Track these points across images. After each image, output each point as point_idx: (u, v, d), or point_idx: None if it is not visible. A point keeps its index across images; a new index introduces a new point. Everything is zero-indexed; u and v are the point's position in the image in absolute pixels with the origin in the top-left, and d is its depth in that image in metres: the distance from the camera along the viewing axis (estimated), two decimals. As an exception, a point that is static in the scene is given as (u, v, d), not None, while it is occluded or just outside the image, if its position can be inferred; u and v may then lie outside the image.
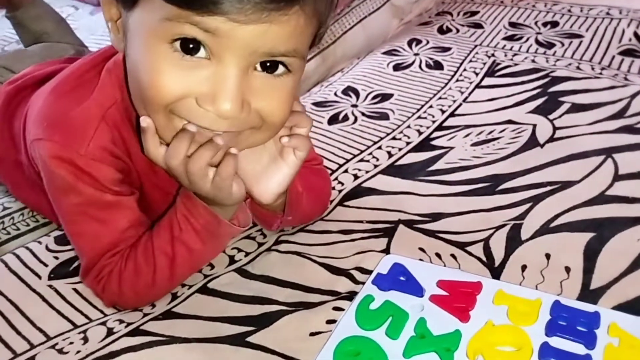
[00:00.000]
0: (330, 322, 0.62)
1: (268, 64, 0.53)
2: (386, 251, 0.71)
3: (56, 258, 0.72)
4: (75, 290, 0.68)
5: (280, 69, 0.54)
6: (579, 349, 0.55)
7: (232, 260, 0.71)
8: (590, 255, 0.69)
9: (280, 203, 0.67)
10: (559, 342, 0.56)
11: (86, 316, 0.65)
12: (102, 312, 0.65)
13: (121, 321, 0.64)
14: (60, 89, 0.64)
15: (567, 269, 0.67)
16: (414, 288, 0.64)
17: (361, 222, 0.77)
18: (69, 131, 0.60)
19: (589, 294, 0.63)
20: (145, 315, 0.64)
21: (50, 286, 0.68)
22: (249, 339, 0.61)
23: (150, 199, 0.67)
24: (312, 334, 0.60)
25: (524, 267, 0.68)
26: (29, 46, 1.06)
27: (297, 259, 0.71)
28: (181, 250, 0.62)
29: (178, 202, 0.63)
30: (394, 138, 0.95)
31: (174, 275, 0.64)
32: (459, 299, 0.62)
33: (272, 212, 0.69)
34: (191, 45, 0.51)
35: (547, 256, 0.69)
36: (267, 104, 0.54)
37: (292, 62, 0.54)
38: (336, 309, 0.63)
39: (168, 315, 0.64)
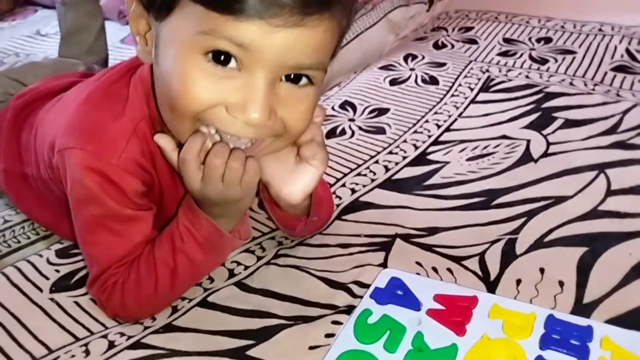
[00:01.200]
0: (329, 335, 0.62)
1: (292, 76, 0.56)
2: (384, 265, 0.72)
3: (57, 271, 0.73)
4: (77, 303, 0.68)
5: (304, 80, 0.57)
6: (573, 362, 0.56)
7: (231, 273, 0.72)
8: (584, 269, 0.70)
9: (305, 206, 0.70)
10: (553, 356, 0.57)
11: (88, 329, 0.66)
12: (103, 325, 0.66)
13: (122, 334, 0.64)
14: (91, 100, 0.65)
15: (561, 283, 0.68)
16: (411, 302, 0.65)
17: (359, 236, 0.78)
18: (102, 142, 0.61)
19: (582, 308, 0.64)
20: (146, 328, 0.65)
21: (51, 299, 0.69)
22: (249, 352, 0.61)
23: (168, 212, 0.68)
24: (311, 348, 0.61)
25: (518, 282, 0.69)
26: (66, 35, 1.11)
27: (296, 273, 0.72)
28: (183, 261, 0.63)
29: (180, 213, 0.63)
30: (390, 152, 0.96)
31: (175, 286, 0.65)
32: (455, 312, 0.63)
33: (296, 216, 0.71)
34: (223, 57, 0.54)
35: (542, 270, 0.70)
36: (290, 113, 0.57)
37: (315, 75, 0.57)
38: (335, 322, 0.64)
39: (168, 328, 0.65)
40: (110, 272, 0.63)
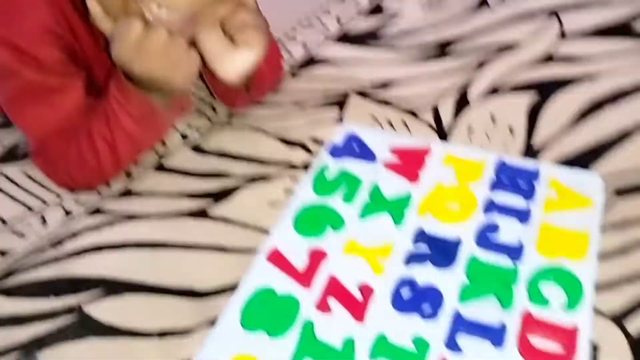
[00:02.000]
0: (288, 192, 0.64)
1: None
2: (339, 121, 0.72)
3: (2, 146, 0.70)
4: (27, 174, 0.67)
5: None
6: (520, 203, 0.60)
7: (184, 136, 0.71)
8: (533, 114, 0.72)
9: (247, 79, 0.65)
10: (502, 198, 0.60)
11: (42, 200, 0.64)
12: (57, 194, 0.65)
13: (78, 202, 0.64)
14: None
15: (511, 129, 0.70)
16: (367, 155, 0.66)
17: (313, 92, 0.76)
18: (9, 12, 0.57)
19: (531, 152, 0.67)
20: (101, 195, 0.65)
21: (-1, 172, 0.67)
22: (210, 212, 0.62)
23: (98, 80, 0.64)
24: (271, 204, 0.63)
25: (470, 129, 0.70)
26: None
27: (251, 132, 0.71)
28: (120, 136, 0.61)
29: (112, 87, 0.60)
30: (342, 1, 0.92)
31: (118, 160, 0.63)
32: (410, 163, 0.64)
33: (236, 90, 0.67)
34: None
35: (493, 117, 0.72)
36: None
37: None
38: (293, 179, 0.65)
39: (125, 194, 0.65)
40: (49, 144, 0.61)
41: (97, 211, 0.63)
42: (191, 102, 0.67)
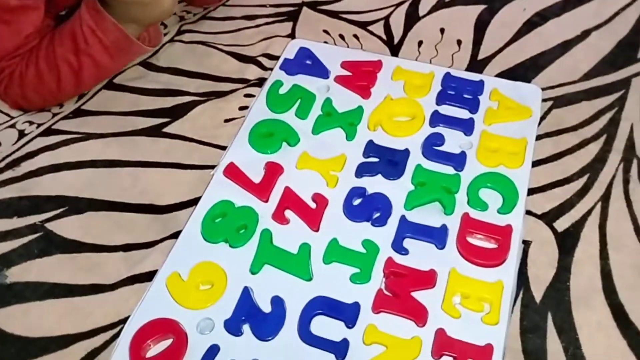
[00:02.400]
0: (243, 108, 0.65)
1: None
2: (291, 36, 0.72)
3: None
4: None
5: None
6: (463, 114, 0.63)
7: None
8: (481, 27, 0.73)
9: None
10: (447, 110, 0.63)
11: (-8, 121, 0.64)
12: (8, 115, 0.64)
13: (31, 122, 0.63)
14: None
15: (459, 42, 0.72)
16: (319, 70, 0.67)
17: (264, 6, 0.76)
18: None
19: (476, 64, 0.69)
20: (54, 115, 0.64)
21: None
22: (165, 129, 0.63)
23: (60, 4, 0.62)
24: (226, 121, 0.64)
25: (420, 43, 0.72)
26: None
27: (203, 49, 0.71)
28: (87, 63, 0.60)
29: (83, 12, 0.58)
30: None
31: (79, 85, 0.63)
32: (361, 77, 0.66)
33: None
34: None
35: (442, 30, 0.73)
36: None
37: None
38: (247, 95, 0.66)
39: (78, 113, 0.65)
40: (4, 64, 0.60)
41: (51, 131, 0.63)
42: (161, 34, 0.67)
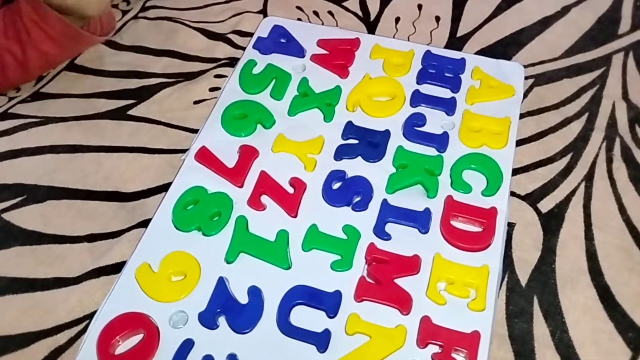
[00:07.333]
0: (214, 89, 0.61)
1: None
2: (263, 12, 0.69)
3: None
4: None
5: None
6: (445, 93, 0.60)
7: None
8: (459, 3, 0.71)
9: None
10: (428, 89, 0.61)
11: (-59, 105, 0.59)
12: (-42, 99, 0.60)
13: (-16, 107, 0.59)
14: None
15: (437, 19, 0.69)
16: (295, 49, 0.64)
17: (234, -20, 0.72)
18: None
19: (455, 42, 0.67)
20: (11, 99, 0.60)
21: None
22: (130, 112, 0.59)
23: None
24: (196, 102, 0.60)
25: (397, 19, 0.69)
26: None
27: (170, 25, 0.67)
28: (33, 54, 0.57)
29: (23, 5, 0.55)
30: None
31: (27, 73, 0.60)
32: (338, 56, 0.63)
33: None
34: None
35: (419, 7, 0.71)
36: None
37: None
38: (218, 76, 0.62)
39: (37, 96, 0.60)
40: None
41: (7, 116, 0.58)
42: (114, 20, 0.64)
